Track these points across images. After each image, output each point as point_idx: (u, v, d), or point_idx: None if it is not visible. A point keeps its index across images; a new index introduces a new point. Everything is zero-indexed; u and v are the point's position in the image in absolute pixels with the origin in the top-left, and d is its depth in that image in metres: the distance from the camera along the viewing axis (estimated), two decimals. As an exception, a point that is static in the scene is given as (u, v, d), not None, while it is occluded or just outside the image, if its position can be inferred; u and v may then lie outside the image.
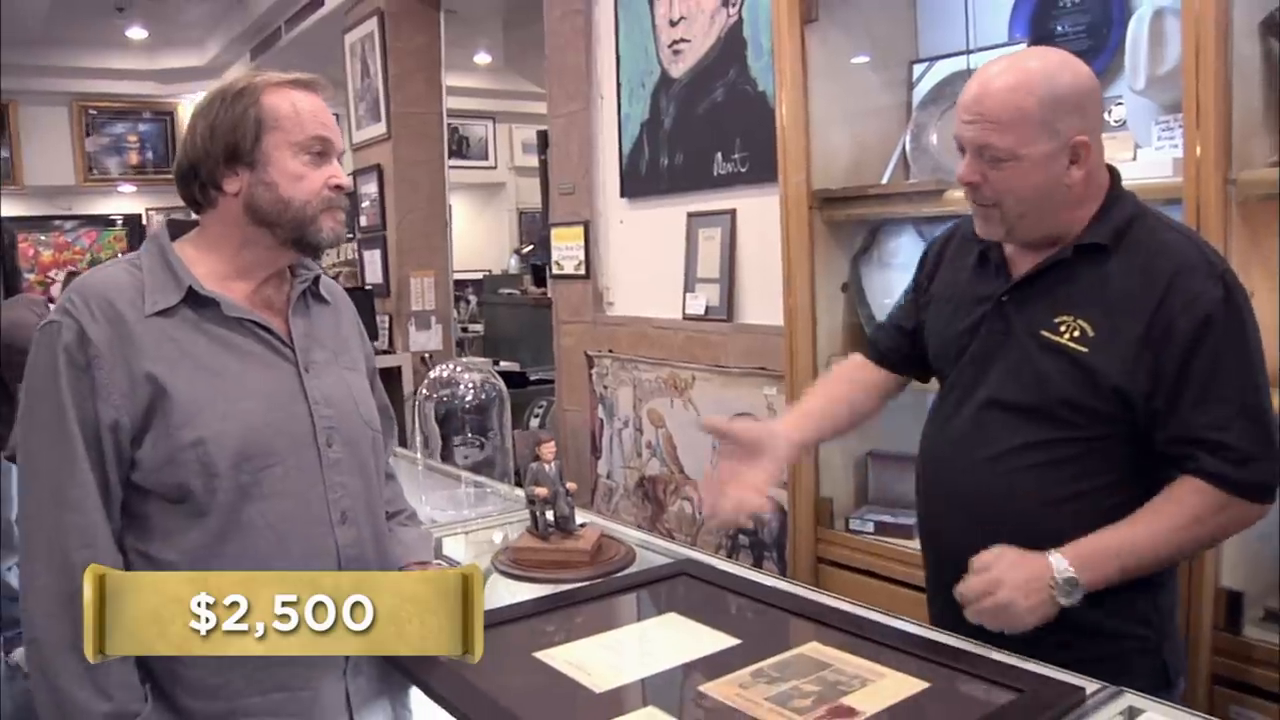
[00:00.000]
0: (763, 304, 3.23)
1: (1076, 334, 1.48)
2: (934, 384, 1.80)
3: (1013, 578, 1.38)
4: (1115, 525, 1.43)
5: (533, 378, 6.66)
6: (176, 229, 1.48)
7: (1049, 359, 1.50)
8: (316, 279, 1.53)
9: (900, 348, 1.82)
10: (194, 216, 1.48)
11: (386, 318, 6.11)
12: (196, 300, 1.39)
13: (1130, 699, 1.27)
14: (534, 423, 5.56)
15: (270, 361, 1.42)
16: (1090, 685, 1.28)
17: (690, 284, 3.55)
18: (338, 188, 1.44)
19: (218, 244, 1.44)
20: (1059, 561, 1.39)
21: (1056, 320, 1.50)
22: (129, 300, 1.36)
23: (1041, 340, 1.51)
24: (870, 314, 2.64)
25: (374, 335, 5.98)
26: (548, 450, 1.96)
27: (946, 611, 1.58)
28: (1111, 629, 1.48)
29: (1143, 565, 1.46)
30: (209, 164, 1.40)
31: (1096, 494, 1.50)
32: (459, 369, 2.62)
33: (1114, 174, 1.58)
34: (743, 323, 3.34)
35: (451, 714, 1.29)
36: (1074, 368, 1.48)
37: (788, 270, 2.66)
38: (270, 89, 1.40)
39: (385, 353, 6.01)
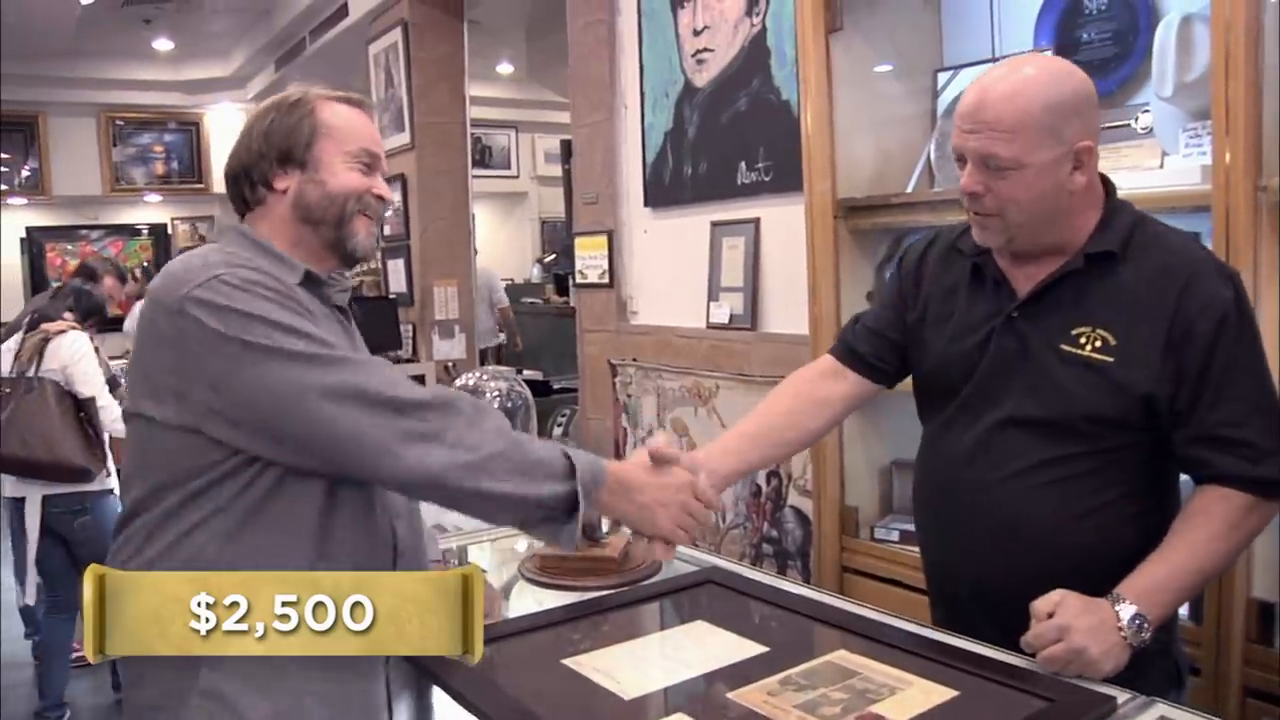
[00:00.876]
0: (786, 313, 3.22)
1: (1099, 344, 1.47)
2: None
3: (1081, 624, 1.34)
4: (1156, 554, 1.42)
5: (555, 386, 6.68)
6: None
7: (1071, 372, 1.48)
8: (349, 292, 1.58)
9: (881, 354, 1.75)
10: (240, 219, 1.53)
11: (410, 327, 6.13)
12: (311, 280, 1.45)
13: (1162, 708, 1.26)
14: (556, 431, 5.57)
15: (357, 346, 1.51)
16: (1121, 695, 1.28)
17: (714, 293, 3.54)
18: (379, 198, 1.50)
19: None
20: (1123, 605, 1.37)
21: (1075, 333, 1.49)
22: (267, 271, 1.38)
23: (1062, 354, 1.49)
24: (895, 322, 2.63)
25: (397, 344, 6.01)
26: (574, 458, 1.96)
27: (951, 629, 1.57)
28: None
29: (1194, 586, 1.47)
30: (262, 165, 1.46)
31: (1113, 506, 1.49)
32: (485, 377, 2.64)
33: (1108, 183, 1.57)
34: (766, 331, 3.34)
35: (481, 720, 1.29)
36: (1100, 379, 1.46)
37: (813, 279, 2.65)
38: (324, 102, 1.48)
39: (409, 361, 6.03)
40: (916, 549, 2.42)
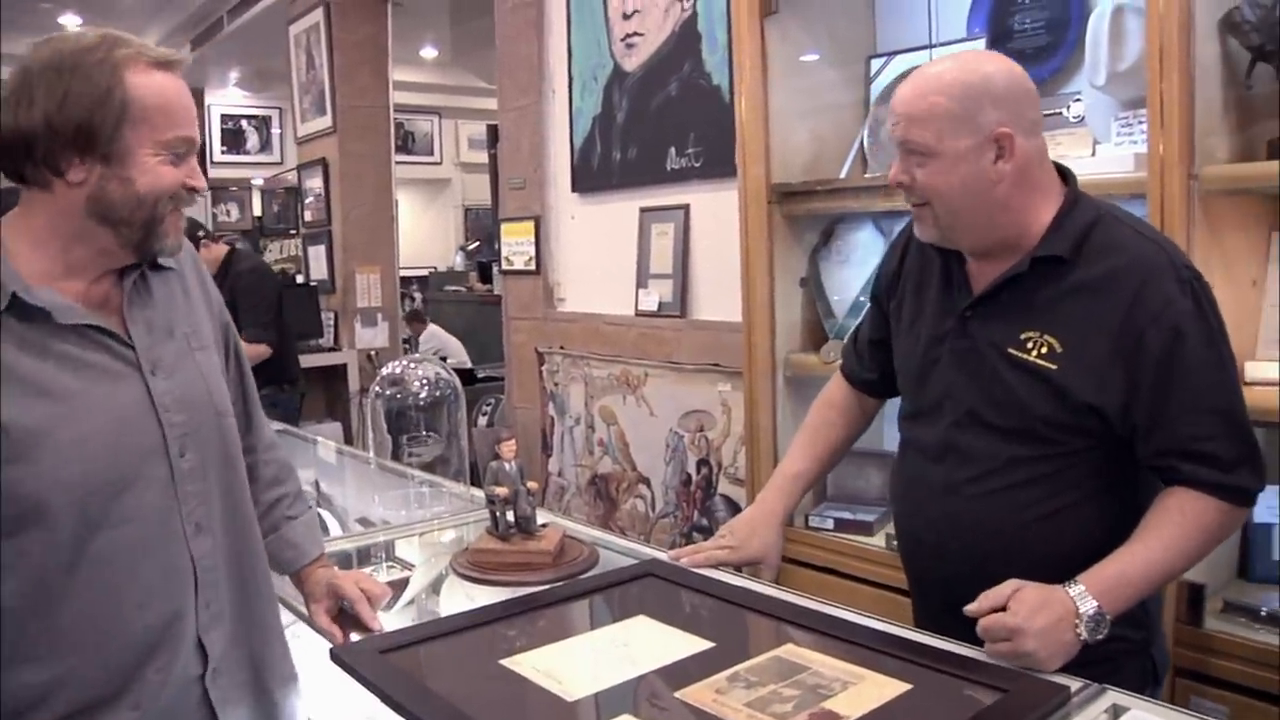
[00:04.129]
0: (716, 300, 3.21)
1: (1045, 350, 1.46)
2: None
3: (1034, 625, 1.31)
4: (1126, 547, 1.40)
5: (480, 375, 6.61)
6: None
7: (1019, 377, 1.47)
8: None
9: (884, 366, 1.77)
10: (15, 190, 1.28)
11: (332, 315, 6.01)
12: (23, 308, 1.18)
13: (1114, 696, 1.25)
14: (482, 420, 5.51)
15: (114, 372, 1.25)
16: (1074, 684, 1.27)
17: (643, 280, 3.52)
18: (192, 189, 1.27)
19: (44, 236, 1.23)
20: (1083, 599, 1.34)
21: (1023, 337, 1.47)
22: None
23: (1010, 358, 1.48)
24: (829, 309, 2.63)
25: (319, 333, 5.88)
26: (508, 448, 1.90)
27: (929, 627, 1.54)
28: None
29: (1159, 583, 1.46)
30: (52, 143, 1.18)
31: (1076, 509, 1.49)
32: (412, 365, 2.56)
33: (1068, 177, 1.55)
34: (696, 319, 3.32)
35: (417, 726, 1.23)
36: (1045, 385, 1.45)
37: (746, 265, 2.63)
38: (135, 68, 1.20)
39: (331, 350, 5.91)
40: (852, 537, 2.46)
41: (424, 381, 2.58)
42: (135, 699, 1.25)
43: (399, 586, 1.89)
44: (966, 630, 1.38)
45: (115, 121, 1.18)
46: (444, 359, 7.05)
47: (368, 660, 1.41)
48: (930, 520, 1.58)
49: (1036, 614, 1.32)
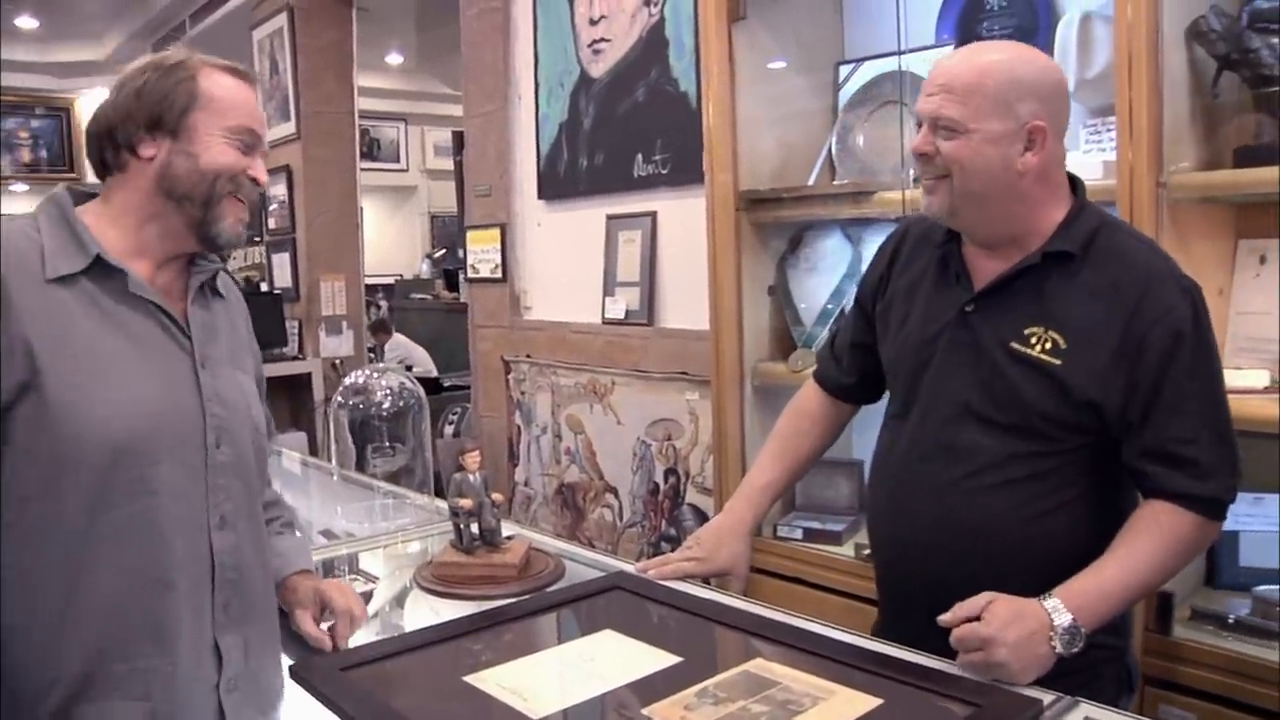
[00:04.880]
0: (684, 308, 3.19)
1: (1049, 346, 1.45)
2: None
3: (1008, 637, 1.30)
4: (1103, 561, 1.40)
5: (446, 384, 6.56)
6: (76, 198, 1.38)
7: (1020, 371, 1.47)
8: (216, 273, 1.45)
9: (863, 370, 1.77)
10: (97, 183, 1.39)
11: (296, 323, 5.94)
12: (101, 271, 1.29)
13: (1087, 709, 1.24)
14: (448, 430, 5.47)
15: (167, 350, 1.33)
16: (1047, 697, 1.25)
17: (610, 287, 3.49)
18: (254, 180, 1.38)
19: (121, 215, 1.34)
20: (1058, 612, 1.33)
21: (1027, 332, 1.47)
22: (23, 260, 1.25)
23: (1012, 352, 1.48)
24: (797, 317, 2.62)
25: (283, 341, 5.81)
26: (472, 460, 1.87)
27: (905, 639, 1.52)
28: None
29: (1134, 598, 1.46)
30: (129, 126, 1.32)
31: (1072, 506, 1.48)
32: (375, 375, 2.52)
33: (1077, 183, 1.56)
34: (664, 327, 3.30)
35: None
36: (1048, 381, 1.45)
37: (714, 273, 2.62)
38: (207, 69, 1.36)
39: (295, 359, 5.84)
40: (821, 547, 2.44)
41: (388, 391, 2.55)
42: (145, 687, 1.26)
43: (362, 600, 1.86)
44: (947, 640, 1.36)
45: (184, 105, 1.32)
46: (409, 368, 7.01)
47: (328, 677, 1.38)
48: (922, 521, 1.55)
49: (1010, 626, 1.31)
